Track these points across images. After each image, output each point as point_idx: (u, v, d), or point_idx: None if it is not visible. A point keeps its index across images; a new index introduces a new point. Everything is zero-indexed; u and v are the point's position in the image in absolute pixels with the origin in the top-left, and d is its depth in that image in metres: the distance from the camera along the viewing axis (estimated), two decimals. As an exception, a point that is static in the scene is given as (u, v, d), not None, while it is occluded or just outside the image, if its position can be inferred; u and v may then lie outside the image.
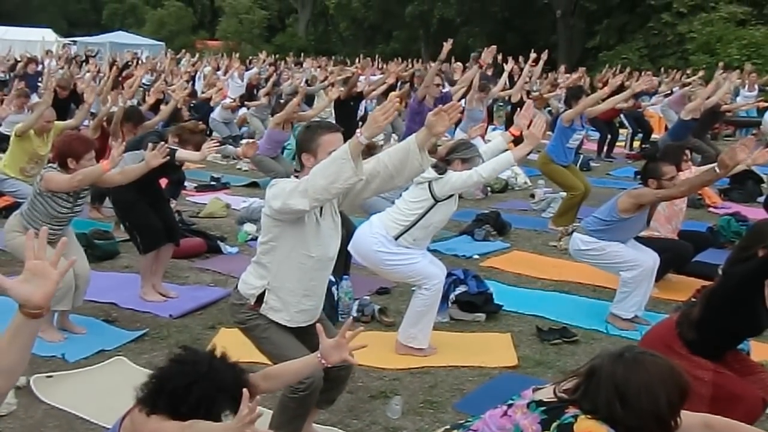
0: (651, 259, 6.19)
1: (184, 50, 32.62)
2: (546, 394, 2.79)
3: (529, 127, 5.75)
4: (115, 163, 5.62)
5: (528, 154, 6.34)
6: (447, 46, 12.47)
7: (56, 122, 8.30)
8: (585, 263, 6.56)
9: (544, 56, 13.56)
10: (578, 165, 11.92)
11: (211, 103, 15.88)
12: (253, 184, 11.99)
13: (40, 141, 8.07)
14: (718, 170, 5.59)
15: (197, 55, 30.06)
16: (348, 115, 13.01)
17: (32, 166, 7.98)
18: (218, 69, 21.63)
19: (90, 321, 6.06)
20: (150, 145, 5.99)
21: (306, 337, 3.98)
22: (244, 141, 14.25)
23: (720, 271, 4.37)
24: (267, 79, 18.12)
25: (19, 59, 20.19)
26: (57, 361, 5.29)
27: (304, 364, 3.29)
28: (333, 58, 30.99)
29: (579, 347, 5.85)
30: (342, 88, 13.53)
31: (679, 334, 4.11)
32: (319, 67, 24.02)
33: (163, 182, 7.94)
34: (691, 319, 4.11)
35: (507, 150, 5.76)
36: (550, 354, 5.71)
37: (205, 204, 10.22)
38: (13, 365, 2.16)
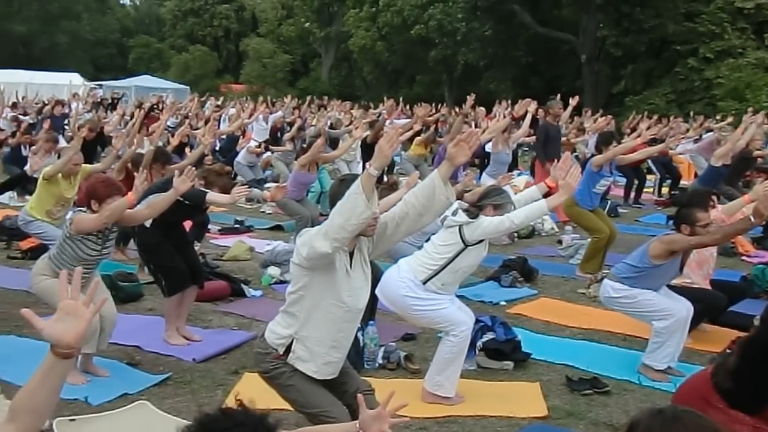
0: (684, 308, 6.04)
1: (208, 93, 32.98)
2: None
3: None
4: (140, 194, 5.64)
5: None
6: (470, 100, 12.48)
7: (84, 165, 8.32)
8: (616, 311, 6.43)
9: (574, 102, 13.49)
10: (606, 211, 11.79)
11: (237, 148, 15.95)
12: (277, 228, 11.98)
13: (66, 184, 8.08)
14: (753, 219, 5.51)
15: (221, 99, 30.34)
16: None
17: (58, 208, 7.98)
18: (242, 112, 21.80)
19: (113, 364, 6.00)
20: (176, 171, 5.97)
21: (332, 386, 3.91)
22: (268, 185, 14.30)
23: (758, 320, 4.25)
24: (291, 124, 18.20)
25: (46, 102, 20.39)
26: (80, 404, 5.22)
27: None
28: (358, 103, 31.15)
29: (611, 398, 5.69)
30: (368, 132, 13.55)
31: (715, 384, 3.97)
32: (344, 111, 24.13)
33: (188, 225, 7.92)
34: (727, 368, 3.98)
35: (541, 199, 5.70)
36: (581, 405, 5.57)
37: (229, 247, 10.19)
38: (42, 406, 2.15)
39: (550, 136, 12.09)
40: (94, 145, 12.89)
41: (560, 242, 11.04)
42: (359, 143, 14.10)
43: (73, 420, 4.96)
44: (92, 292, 2.22)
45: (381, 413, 2.93)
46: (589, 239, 9.61)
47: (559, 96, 14.11)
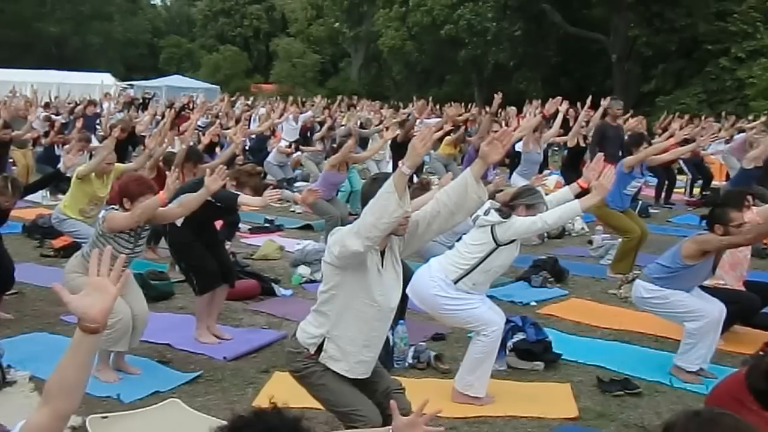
0: (717, 309, 5.98)
1: (238, 93, 33.12)
2: None
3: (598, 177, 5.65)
4: (171, 192, 5.67)
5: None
6: (497, 98, 12.43)
7: (116, 164, 8.38)
8: (648, 311, 6.38)
9: (605, 103, 13.38)
10: (637, 211, 11.69)
11: (268, 148, 16.02)
12: (307, 227, 12.00)
13: (99, 183, 8.14)
14: (786, 217, 5.46)
15: (252, 99, 30.46)
16: (405, 158, 12.97)
17: (92, 207, 8.05)
18: (272, 112, 21.89)
19: (145, 362, 6.05)
20: (208, 170, 6.00)
21: (362, 385, 3.91)
22: (298, 184, 14.35)
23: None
24: (321, 123, 18.25)
25: (78, 102, 20.54)
26: (112, 402, 5.27)
27: None
28: (388, 103, 31.16)
29: (642, 400, 5.65)
30: (398, 131, 13.54)
31: (749, 385, 3.94)
32: (374, 111, 24.13)
33: (219, 224, 7.96)
34: (761, 369, 3.95)
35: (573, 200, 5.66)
36: (612, 406, 5.53)
37: (259, 246, 10.23)
38: (73, 385, 2.18)
39: (607, 137, 11.94)
40: (126, 145, 12.98)
41: (591, 242, 10.97)
42: (389, 142, 14.11)
43: (105, 417, 5.00)
44: (118, 267, 2.26)
45: (415, 420, 2.87)
46: (620, 240, 9.55)
47: (590, 96, 13.99)
